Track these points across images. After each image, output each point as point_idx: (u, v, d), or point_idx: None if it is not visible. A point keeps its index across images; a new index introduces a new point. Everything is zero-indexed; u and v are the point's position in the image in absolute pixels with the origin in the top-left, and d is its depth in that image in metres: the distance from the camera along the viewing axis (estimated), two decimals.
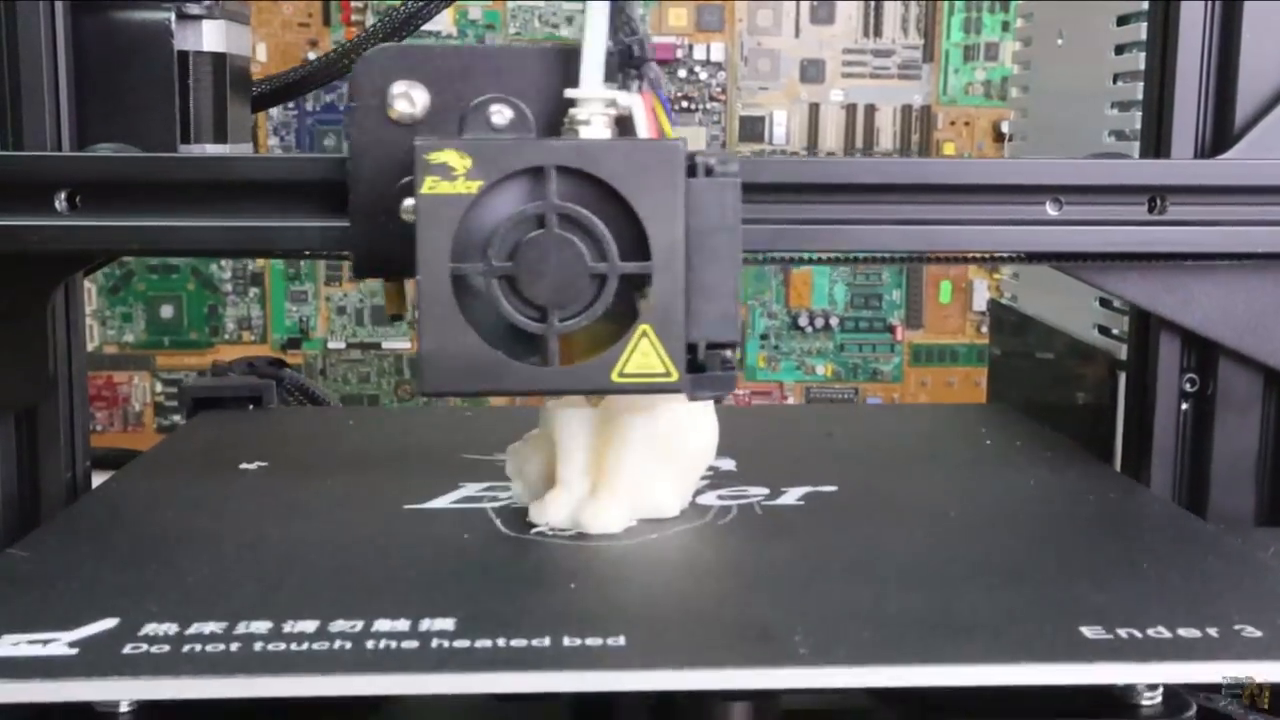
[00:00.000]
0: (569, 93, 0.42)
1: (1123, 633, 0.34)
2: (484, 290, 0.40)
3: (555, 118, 0.42)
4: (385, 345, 1.15)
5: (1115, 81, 0.55)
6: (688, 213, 0.40)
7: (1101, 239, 0.47)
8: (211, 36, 0.51)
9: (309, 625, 0.35)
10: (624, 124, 0.42)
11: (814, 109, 1.14)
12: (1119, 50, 0.55)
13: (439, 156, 0.39)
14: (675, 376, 0.40)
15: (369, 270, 0.43)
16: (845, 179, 0.46)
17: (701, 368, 0.41)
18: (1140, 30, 0.52)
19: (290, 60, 1.09)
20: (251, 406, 0.64)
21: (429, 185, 0.39)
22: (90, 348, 1.09)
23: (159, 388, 1.14)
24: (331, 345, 1.15)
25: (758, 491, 0.49)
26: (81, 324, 0.51)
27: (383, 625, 0.35)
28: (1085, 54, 0.58)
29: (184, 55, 0.51)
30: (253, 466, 0.52)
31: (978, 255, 0.48)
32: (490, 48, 0.40)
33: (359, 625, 0.35)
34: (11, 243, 0.44)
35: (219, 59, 0.53)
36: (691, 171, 0.40)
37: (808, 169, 0.46)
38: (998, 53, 1.14)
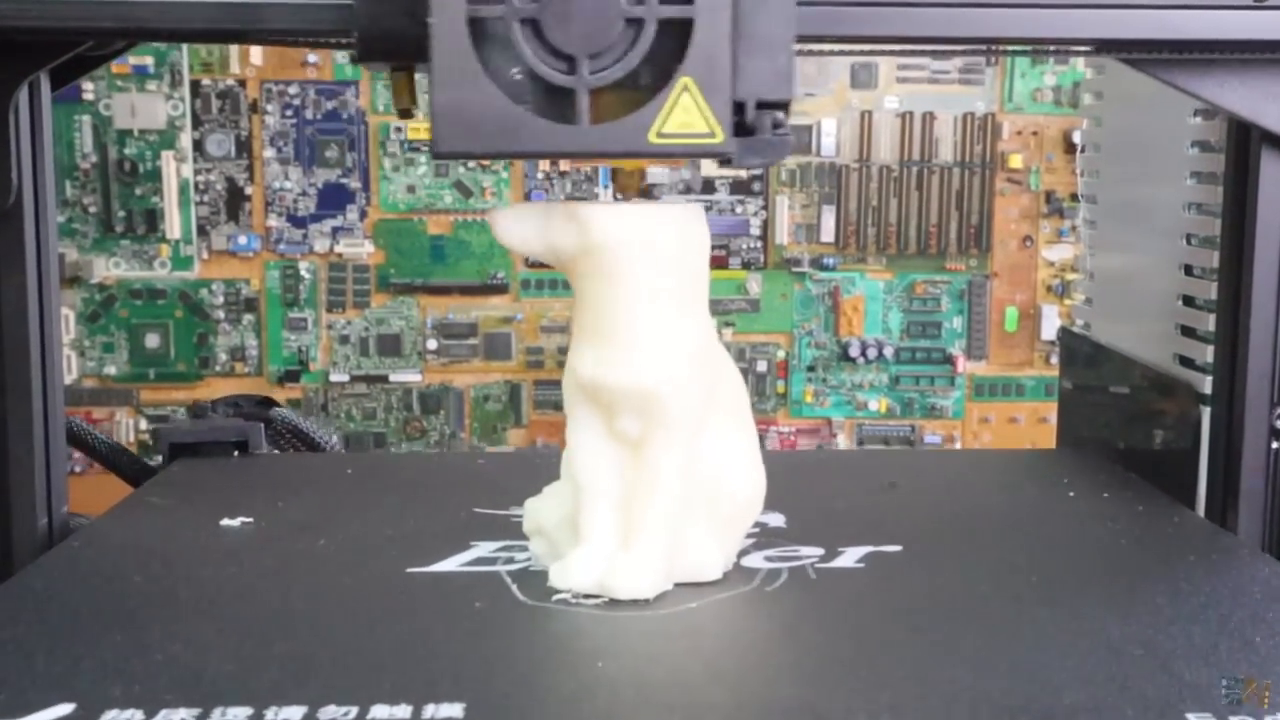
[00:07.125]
0: None
1: None
2: (506, 37, 0.36)
3: None
4: (393, 378, 1.09)
5: None
6: None
7: (1196, 25, 0.42)
8: None
9: (295, 712, 0.31)
10: None
11: (866, 117, 1.07)
12: None
13: None
14: (720, 138, 0.37)
15: (375, 53, 0.39)
16: None
17: (750, 130, 0.37)
18: None
19: (288, 63, 1.06)
20: (237, 453, 0.60)
21: None
22: (68, 381, 1.04)
23: (143, 425, 1.09)
24: (334, 378, 1.09)
25: (811, 552, 0.45)
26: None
27: (380, 712, 0.31)
28: None
29: None
30: (235, 523, 0.48)
31: (1053, 44, 0.44)
32: None
33: (353, 712, 0.31)
34: None
35: None
36: None
37: None
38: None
